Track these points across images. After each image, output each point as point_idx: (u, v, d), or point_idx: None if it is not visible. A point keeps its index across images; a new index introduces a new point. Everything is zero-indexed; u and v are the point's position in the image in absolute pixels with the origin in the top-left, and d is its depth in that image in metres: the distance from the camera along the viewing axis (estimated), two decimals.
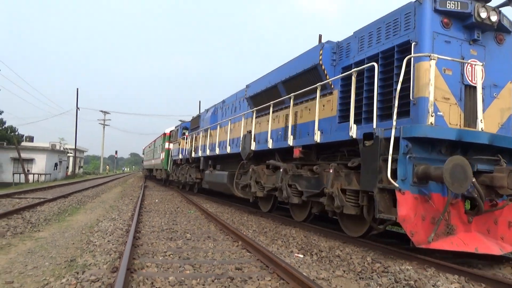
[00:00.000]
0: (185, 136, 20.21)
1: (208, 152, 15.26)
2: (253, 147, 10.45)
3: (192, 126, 20.17)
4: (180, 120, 28.57)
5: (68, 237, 7.39)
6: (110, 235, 7.21)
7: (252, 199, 11.16)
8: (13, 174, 32.63)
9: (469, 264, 5.46)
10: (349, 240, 7.36)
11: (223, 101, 15.12)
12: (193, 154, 17.46)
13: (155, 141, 34.43)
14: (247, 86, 11.88)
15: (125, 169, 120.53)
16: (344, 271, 5.26)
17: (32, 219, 9.28)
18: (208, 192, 18.53)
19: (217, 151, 13.75)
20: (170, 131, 26.05)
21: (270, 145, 9.72)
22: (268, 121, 9.95)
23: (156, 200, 15.48)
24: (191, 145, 18.12)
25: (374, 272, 5.18)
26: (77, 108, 45.44)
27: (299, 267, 5.26)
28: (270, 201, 10.83)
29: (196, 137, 17.52)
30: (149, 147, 40.45)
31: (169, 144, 25.49)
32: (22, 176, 32.31)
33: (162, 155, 26.90)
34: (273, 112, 9.84)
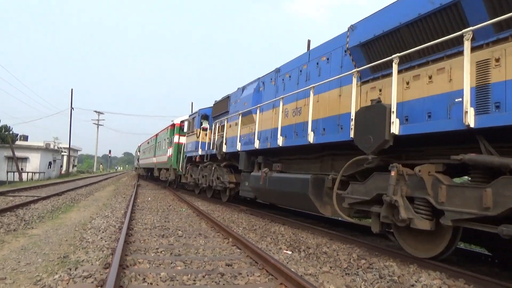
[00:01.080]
0: (205, 127, 16.06)
1: (257, 145, 10.13)
2: (396, 129, 5.48)
3: (215, 112, 15.30)
4: (183, 118, 21.62)
5: (61, 234, 7.47)
6: (103, 232, 7.31)
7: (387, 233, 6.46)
8: (7, 172, 32.60)
9: (449, 261, 5.62)
10: (336, 237, 7.53)
11: (277, 70, 10.20)
12: (224, 149, 12.57)
13: (157, 135, 29.43)
14: (352, 28, 6.93)
15: (118, 168, 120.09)
16: (330, 267, 5.41)
17: (25, 216, 9.34)
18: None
19: (280, 142, 8.77)
20: (181, 122, 21.24)
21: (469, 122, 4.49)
22: (429, 78, 5.46)
23: (149, 199, 15.57)
24: (219, 137, 13.65)
25: (359, 268, 5.34)
26: (72, 108, 45.66)
27: (287, 263, 5.42)
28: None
29: (226, 126, 12.87)
30: (148, 143, 35.66)
31: (179, 138, 21.01)
32: (16, 174, 32.19)
33: (169, 151, 22.18)
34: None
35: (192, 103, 45.41)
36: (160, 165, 25.72)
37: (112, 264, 4.57)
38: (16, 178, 31.82)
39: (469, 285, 4.65)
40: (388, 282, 4.70)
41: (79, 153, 72.75)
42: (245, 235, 7.57)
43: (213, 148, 13.82)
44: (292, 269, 4.87)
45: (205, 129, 15.78)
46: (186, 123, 19.31)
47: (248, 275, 4.76)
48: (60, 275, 4.44)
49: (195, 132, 16.73)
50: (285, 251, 6.36)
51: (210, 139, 14.77)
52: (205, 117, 16.58)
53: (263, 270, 4.97)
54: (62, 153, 50.84)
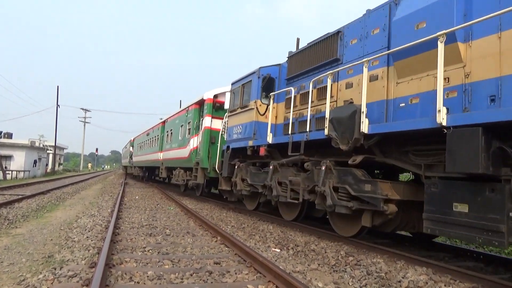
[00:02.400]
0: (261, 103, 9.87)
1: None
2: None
3: (296, 68, 8.93)
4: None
5: (46, 234, 7.34)
6: (89, 231, 7.21)
7: None
8: None
9: (436, 257, 5.69)
10: (324, 235, 7.57)
11: None
12: (366, 128, 5.93)
13: (165, 122, 21.98)
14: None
15: (105, 166, 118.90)
16: (319, 264, 5.43)
17: (9, 215, 9.16)
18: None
19: None
20: (216, 96, 14.19)
21: None
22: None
23: (136, 197, 15.43)
24: (315, 110, 7.77)
25: (347, 265, 5.38)
26: (57, 105, 44.96)
27: (275, 261, 5.41)
28: None
29: (355, 82, 6.87)
30: (147, 134, 27.82)
31: (211, 121, 14.01)
32: (0, 173, 31.58)
33: (194, 142, 15.10)
34: None
35: (180, 100, 45.05)
36: (174, 162, 18.10)
37: (98, 263, 4.50)
38: (0, 176, 31.23)
39: (455, 280, 4.72)
40: (375, 278, 4.73)
41: (65, 151, 71.65)
42: (234, 233, 7.55)
43: (299, 131, 8.06)
44: (281, 267, 4.87)
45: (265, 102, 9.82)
46: (228, 96, 11.98)
47: (236, 273, 4.74)
48: (45, 275, 4.36)
49: (252, 107, 10.07)
50: (273, 249, 6.36)
51: (286, 117, 8.88)
52: (269, 81, 9.89)
53: (251, 268, 4.96)
54: (47, 151, 49.97)
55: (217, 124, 13.71)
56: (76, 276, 4.32)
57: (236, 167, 10.82)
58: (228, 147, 11.35)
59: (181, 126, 17.53)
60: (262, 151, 9.11)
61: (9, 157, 36.27)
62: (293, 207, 8.81)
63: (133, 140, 38.01)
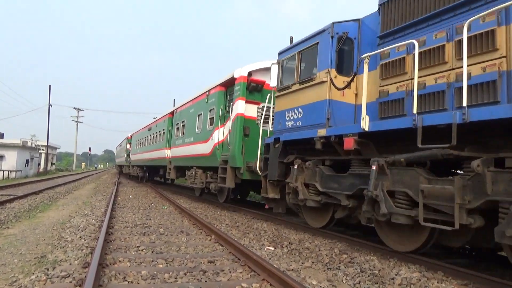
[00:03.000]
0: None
1: None
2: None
3: (401, 17, 6.10)
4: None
5: (38, 234, 7.29)
6: (82, 231, 7.17)
7: None
8: None
9: (428, 255, 5.73)
10: (318, 233, 7.59)
11: None
12: None
13: (173, 113, 18.67)
14: None
15: (99, 166, 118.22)
16: (313, 262, 5.45)
17: (1, 216, 9.07)
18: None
19: None
20: (251, 74, 11.01)
21: None
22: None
23: (130, 196, 15.36)
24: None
25: (341, 263, 5.40)
26: (50, 104, 44.77)
27: (270, 259, 5.42)
28: None
29: None
30: (149, 129, 24.36)
31: (245, 106, 10.86)
32: None
33: (218, 136, 11.93)
34: None
35: (174, 99, 44.86)
36: (188, 160, 15.01)
37: (91, 263, 4.48)
38: None
39: (447, 277, 4.77)
40: (369, 275, 4.76)
41: (57, 150, 71.12)
42: (228, 232, 7.55)
43: (421, 110, 5.28)
44: (275, 265, 4.88)
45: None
46: (274, 70, 8.63)
47: (230, 272, 4.74)
48: (37, 276, 4.33)
49: (321, 79, 7.10)
50: (267, 247, 6.37)
51: (383, 91, 6.03)
52: (346, 43, 7.15)
53: (246, 267, 4.97)
54: (40, 151, 49.59)
55: (252, 111, 10.88)
56: (69, 276, 4.29)
57: (294, 166, 7.75)
58: (276, 139, 8.36)
59: (199, 115, 14.09)
60: (350, 143, 6.17)
61: (0, 157, 35.93)
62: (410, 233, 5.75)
63: (131, 136, 34.64)
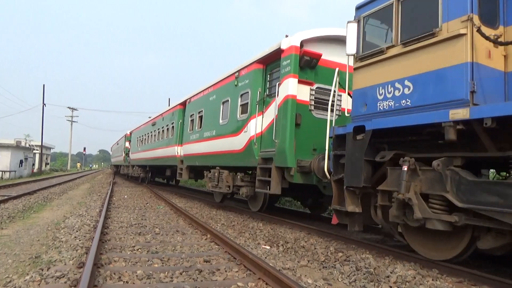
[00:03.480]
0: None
1: None
2: None
3: None
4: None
5: (33, 234, 7.24)
6: (77, 231, 7.13)
7: None
8: None
9: None
10: (314, 231, 7.61)
11: None
12: None
13: (185, 104, 15.85)
14: None
15: (93, 165, 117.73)
16: (308, 261, 5.46)
17: None
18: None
19: None
20: (302, 44, 8.37)
21: None
22: None
23: (125, 196, 15.31)
24: None
25: (337, 261, 5.42)
26: (44, 104, 44.48)
27: (265, 258, 5.43)
28: None
29: None
30: (153, 124, 21.75)
31: (297, 87, 8.28)
32: None
33: (255, 127, 9.37)
34: None
35: (169, 99, 44.63)
36: (208, 159, 12.33)
37: (86, 263, 4.46)
38: None
39: (442, 274, 4.79)
40: (364, 274, 4.78)
41: (52, 150, 70.76)
42: (224, 231, 7.54)
43: None
44: (271, 264, 4.88)
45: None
46: (352, 31, 6.13)
47: (226, 271, 4.74)
48: (32, 276, 4.30)
49: (445, 34, 4.77)
50: (263, 246, 6.37)
51: None
52: None
53: (241, 266, 4.97)
54: (34, 151, 49.29)
55: (304, 93, 8.44)
56: (63, 276, 4.27)
57: (403, 169, 5.10)
58: (360, 127, 5.90)
59: (223, 103, 11.38)
60: None
61: None
62: None
63: (130, 133, 31.21)
